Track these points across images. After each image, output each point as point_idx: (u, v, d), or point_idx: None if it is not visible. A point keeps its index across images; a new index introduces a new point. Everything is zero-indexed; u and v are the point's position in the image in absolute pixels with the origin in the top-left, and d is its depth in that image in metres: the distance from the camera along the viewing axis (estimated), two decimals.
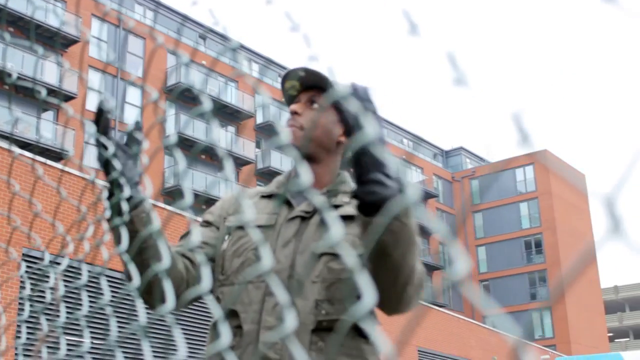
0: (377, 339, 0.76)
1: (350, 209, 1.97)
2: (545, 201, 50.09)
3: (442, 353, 24.19)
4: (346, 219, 1.96)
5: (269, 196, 2.11)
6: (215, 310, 1.15)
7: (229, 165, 1.06)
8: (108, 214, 1.74)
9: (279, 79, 44.77)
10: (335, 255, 1.91)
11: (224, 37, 39.56)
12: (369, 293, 0.75)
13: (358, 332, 1.88)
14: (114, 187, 1.78)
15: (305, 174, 0.96)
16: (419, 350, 22.75)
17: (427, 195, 50.23)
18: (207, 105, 1.17)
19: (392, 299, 1.74)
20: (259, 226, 2.00)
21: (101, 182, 1.89)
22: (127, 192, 1.73)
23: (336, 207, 2.01)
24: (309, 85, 2.08)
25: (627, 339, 72.02)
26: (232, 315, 1.90)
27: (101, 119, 1.78)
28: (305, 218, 2.00)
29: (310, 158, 2.06)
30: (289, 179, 2.16)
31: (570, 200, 51.79)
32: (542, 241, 49.59)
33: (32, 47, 1.55)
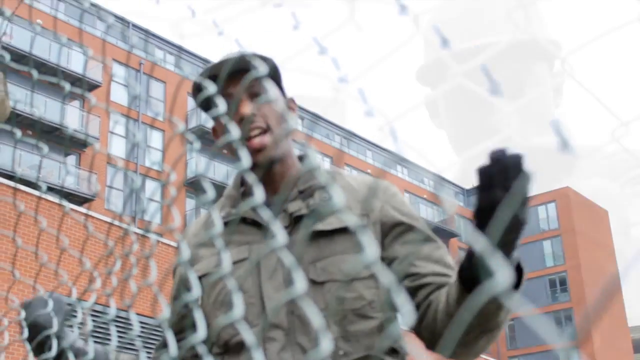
0: None
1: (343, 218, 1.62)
2: (568, 239, 49.62)
3: None
4: (335, 232, 1.58)
5: (226, 222, 1.65)
6: None
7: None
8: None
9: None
10: (345, 282, 1.55)
11: None
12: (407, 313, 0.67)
13: None
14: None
15: (258, 191, 0.80)
16: None
17: (449, 234, 49.92)
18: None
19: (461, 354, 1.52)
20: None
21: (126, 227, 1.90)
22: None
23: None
24: (233, 74, 1.60)
25: None
26: None
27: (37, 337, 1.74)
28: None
29: (274, 160, 1.65)
30: (243, 196, 1.71)
31: (594, 237, 51.27)
32: (566, 279, 49.00)
33: (59, 83, 1.57)
